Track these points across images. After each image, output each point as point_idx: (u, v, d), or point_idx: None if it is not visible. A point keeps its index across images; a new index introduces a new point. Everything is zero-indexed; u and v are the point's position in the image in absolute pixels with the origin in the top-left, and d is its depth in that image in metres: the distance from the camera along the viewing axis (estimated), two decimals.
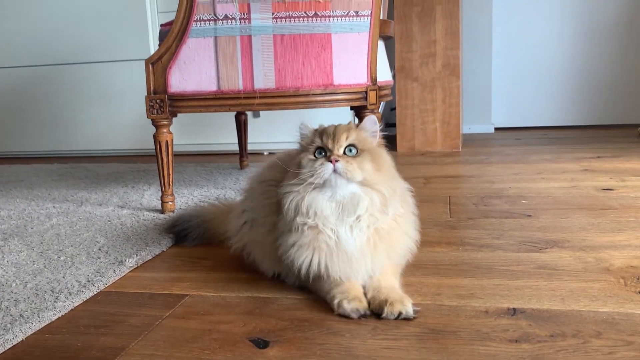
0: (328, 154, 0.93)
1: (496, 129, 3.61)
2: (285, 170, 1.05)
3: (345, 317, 0.91)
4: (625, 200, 1.62)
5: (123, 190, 2.05)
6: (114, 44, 3.04)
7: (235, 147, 2.99)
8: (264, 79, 1.53)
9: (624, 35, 3.45)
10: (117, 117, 3.13)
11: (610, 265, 1.10)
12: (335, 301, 0.92)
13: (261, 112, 2.96)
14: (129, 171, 2.53)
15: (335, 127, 0.97)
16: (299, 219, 0.94)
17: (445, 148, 2.81)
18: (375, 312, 0.92)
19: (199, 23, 1.52)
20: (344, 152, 0.93)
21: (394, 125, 3.29)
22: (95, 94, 3.13)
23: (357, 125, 1.00)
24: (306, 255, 0.94)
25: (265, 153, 3.00)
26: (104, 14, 3.01)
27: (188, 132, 3.06)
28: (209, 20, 1.51)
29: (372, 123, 1.00)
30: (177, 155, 3.00)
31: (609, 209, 1.52)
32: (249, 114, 2.94)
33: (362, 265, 0.94)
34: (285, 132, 2.95)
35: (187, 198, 1.85)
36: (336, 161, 0.90)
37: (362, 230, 0.94)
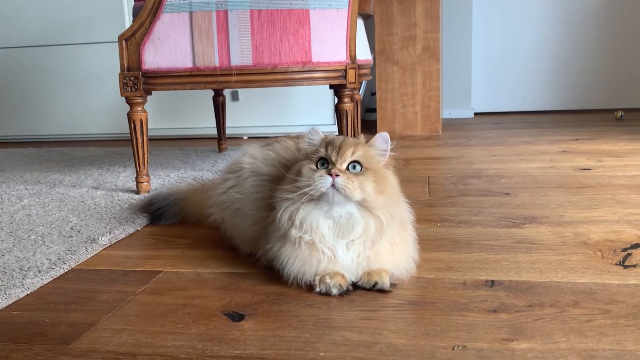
0: (330, 166, 0.87)
1: (476, 114, 3.62)
2: (283, 167, 1.02)
3: (326, 294, 0.88)
4: (602, 179, 1.62)
5: (98, 173, 2.01)
6: (89, 25, 2.97)
7: (214, 131, 2.95)
8: (241, 56, 1.50)
9: (602, 21, 3.47)
10: (93, 100, 3.06)
11: (587, 239, 1.10)
12: (317, 277, 0.89)
13: (240, 96, 2.92)
14: (104, 154, 2.48)
15: (343, 139, 0.91)
16: (294, 232, 0.89)
17: (425, 132, 2.80)
18: (353, 283, 0.90)
19: None
20: (348, 168, 0.87)
21: (374, 110, 3.28)
22: (70, 77, 3.06)
23: (367, 141, 0.93)
24: (299, 269, 0.90)
25: (244, 137, 2.97)
26: None
27: (164, 116, 3.01)
28: None
29: (383, 141, 0.93)
30: (153, 139, 2.95)
31: (586, 187, 1.53)
32: (228, 96, 2.90)
33: (358, 272, 0.91)
34: (265, 115, 2.92)
35: (164, 180, 1.82)
36: (337, 175, 0.85)
37: (358, 253, 0.89)
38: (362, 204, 0.88)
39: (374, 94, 3.45)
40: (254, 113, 2.93)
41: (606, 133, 2.55)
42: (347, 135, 1.62)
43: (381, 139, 0.93)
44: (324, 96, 2.83)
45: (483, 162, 1.98)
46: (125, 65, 1.54)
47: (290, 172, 0.93)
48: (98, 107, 3.07)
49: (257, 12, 1.48)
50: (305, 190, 0.87)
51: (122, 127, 3.05)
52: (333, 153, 0.88)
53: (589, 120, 3.10)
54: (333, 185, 0.85)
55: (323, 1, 1.51)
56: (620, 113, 3.05)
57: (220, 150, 2.41)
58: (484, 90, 3.63)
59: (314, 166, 0.89)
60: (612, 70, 3.52)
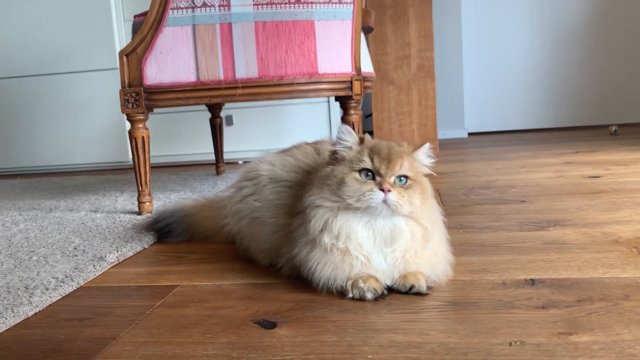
0: (378, 179, 0.82)
1: (469, 133, 3.62)
2: (305, 173, 0.98)
3: (360, 299, 0.83)
4: (615, 185, 1.60)
5: (94, 198, 1.94)
6: (78, 54, 2.93)
7: (208, 157, 2.91)
8: (246, 68, 1.46)
9: (592, 39, 3.52)
10: (82, 130, 3.00)
11: (618, 238, 1.07)
12: (349, 282, 0.84)
13: (234, 120, 2.89)
14: (97, 182, 2.41)
15: (389, 149, 0.85)
16: (326, 238, 0.84)
17: None
18: (388, 286, 0.85)
19: (176, 11, 1.45)
20: (394, 180, 0.84)
21: (370, 132, 3.26)
22: (58, 107, 3.00)
23: (413, 150, 0.89)
24: (330, 274, 0.84)
25: (240, 162, 2.92)
26: (68, 23, 2.90)
27: (158, 143, 2.95)
28: (186, 7, 1.45)
29: (426, 152, 0.89)
30: None
31: (601, 192, 1.50)
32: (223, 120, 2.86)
33: (395, 275, 0.86)
34: (259, 139, 2.89)
35: (164, 202, 1.76)
36: (388, 191, 0.81)
37: (397, 260, 0.85)
38: (408, 216, 0.85)
39: (368, 116, 3.44)
40: (249, 137, 2.89)
41: (605, 146, 2.55)
42: None
43: (425, 151, 0.90)
44: (318, 117, 2.81)
45: (489, 174, 1.95)
46: (126, 81, 1.50)
47: (321, 176, 0.88)
48: (86, 137, 3.00)
49: (261, 24, 1.46)
50: (350, 202, 0.82)
51: (112, 156, 2.99)
52: (382, 166, 0.83)
53: (583, 136, 3.11)
54: (384, 201, 0.81)
55: (328, 12, 1.49)
56: (614, 128, 3.06)
57: (218, 172, 2.35)
58: (476, 110, 3.64)
59: (358, 176, 0.84)
60: (603, 86, 3.55)
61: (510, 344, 0.66)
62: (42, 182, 2.55)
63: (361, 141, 0.88)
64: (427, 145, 0.90)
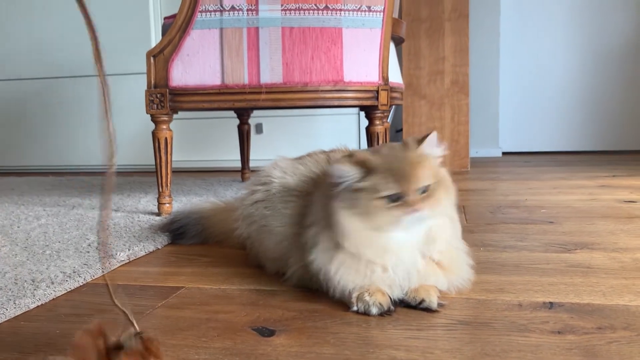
0: (405, 199, 0.77)
1: (504, 153, 3.53)
2: (313, 182, 0.96)
3: (365, 313, 0.79)
4: None
5: (118, 197, 1.95)
6: (113, 58, 2.98)
7: (234, 164, 2.91)
8: (271, 73, 1.45)
9: (634, 61, 3.41)
10: (116, 132, 3.04)
11: None
12: (354, 294, 0.80)
13: (264, 128, 2.88)
14: (125, 182, 2.43)
15: (404, 163, 0.79)
16: (369, 253, 0.80)
17: (453, 167, 2.72)
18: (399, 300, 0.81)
19: (204, 14, 1.45)
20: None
21: None
22: (93, 109, 3.06)
23: (421, 140, 0.83)
24: (350, 279, 0.81)
25: None
26: (104, 27, 2.96)
27: (185, 148, 2.97)
28: (214, 11, 1.44)
29: (434, 144, 0.83)
30: (173, 171, 2.90)
31: (636, 218, 1.43)
32: (252, 129, 2.86)
33: (411, 285, 0.82)
34: (289, 148, 2.87)
35: (185, 204, 1.75)
36: (420, 209, 0.77)
37: (426, 259, 0.82)
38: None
39: (398, 130, 3.40)
40: (278, 146, 2.88)
41: None
42: None
43: (432, 142, 0.83)
44: (348, 128, 2.78)
45: (519, 194, 1.89)
46: (152, 82, 1.50)
47: (348, 204, 0.81)
48: (119, 139, 3.05)
49: (288, 29, 1.44)
50: (383, 227, 0.79)
51: (143, 159, 3.02)
52: (406, 186, 0.77)
53: (622, 160, 3.00)
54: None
55: (356, 20, 1.47)
56: None
57: (243, 179, 2.35)
58: (512, 129, 3.56)
59: (383, 203, 0.78)
60: None
61: None
62: (72, 180, 2.59)
63: (364, 164, 0.80)
64: (433, 134, 0.83)
